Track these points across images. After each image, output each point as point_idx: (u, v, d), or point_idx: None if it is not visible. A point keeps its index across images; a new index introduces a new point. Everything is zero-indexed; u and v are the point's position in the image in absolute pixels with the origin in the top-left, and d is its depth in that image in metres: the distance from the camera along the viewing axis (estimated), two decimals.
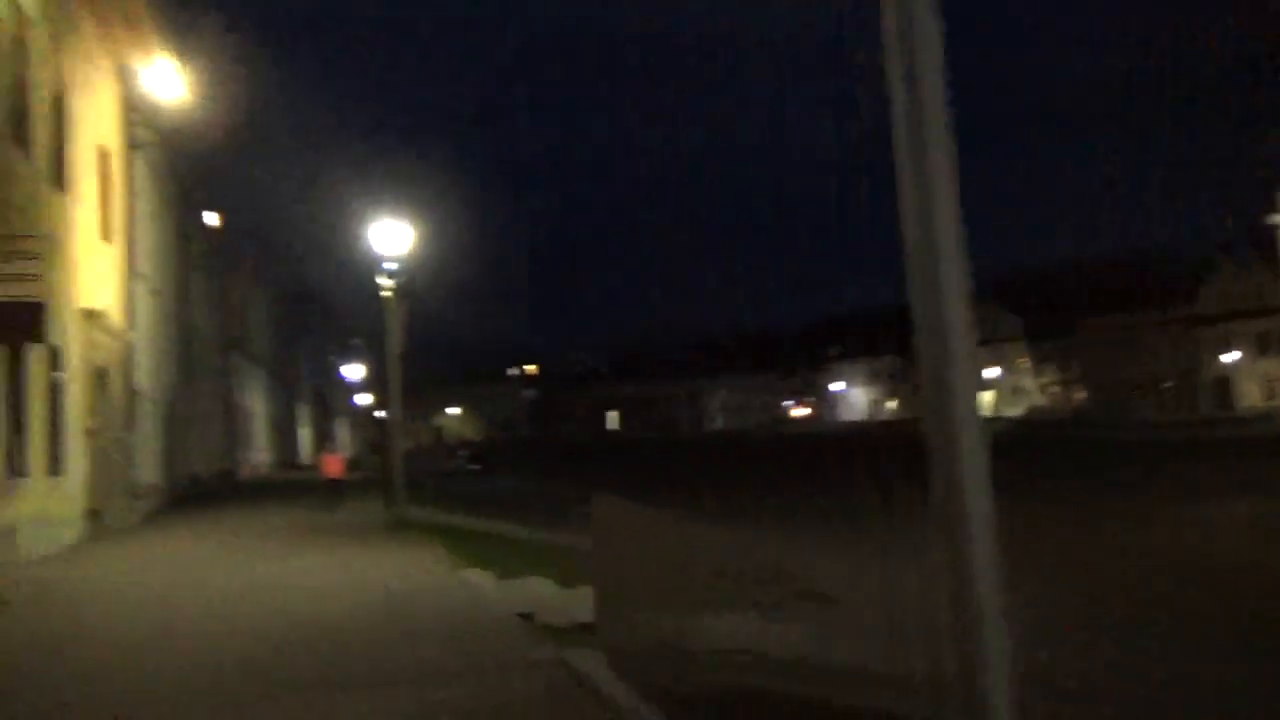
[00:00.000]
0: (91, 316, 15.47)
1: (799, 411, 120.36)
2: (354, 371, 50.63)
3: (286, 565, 11.72)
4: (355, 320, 60.10)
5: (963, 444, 1.95)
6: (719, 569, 5.82)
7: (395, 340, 15.65)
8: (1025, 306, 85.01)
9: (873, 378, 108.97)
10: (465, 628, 7.77)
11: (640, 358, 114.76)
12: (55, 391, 13.51)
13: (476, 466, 59.54)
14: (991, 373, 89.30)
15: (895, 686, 4.12)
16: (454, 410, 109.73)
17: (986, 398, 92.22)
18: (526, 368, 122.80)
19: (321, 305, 57.18)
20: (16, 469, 11.49)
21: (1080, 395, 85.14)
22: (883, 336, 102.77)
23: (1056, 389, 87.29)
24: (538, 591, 10.71)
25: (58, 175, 14.32)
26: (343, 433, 74.78)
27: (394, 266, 15.78)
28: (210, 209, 33.61)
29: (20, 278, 10.45)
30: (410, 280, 16.17)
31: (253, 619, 8.24)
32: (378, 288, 16.04)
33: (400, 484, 16.65)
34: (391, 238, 15.79)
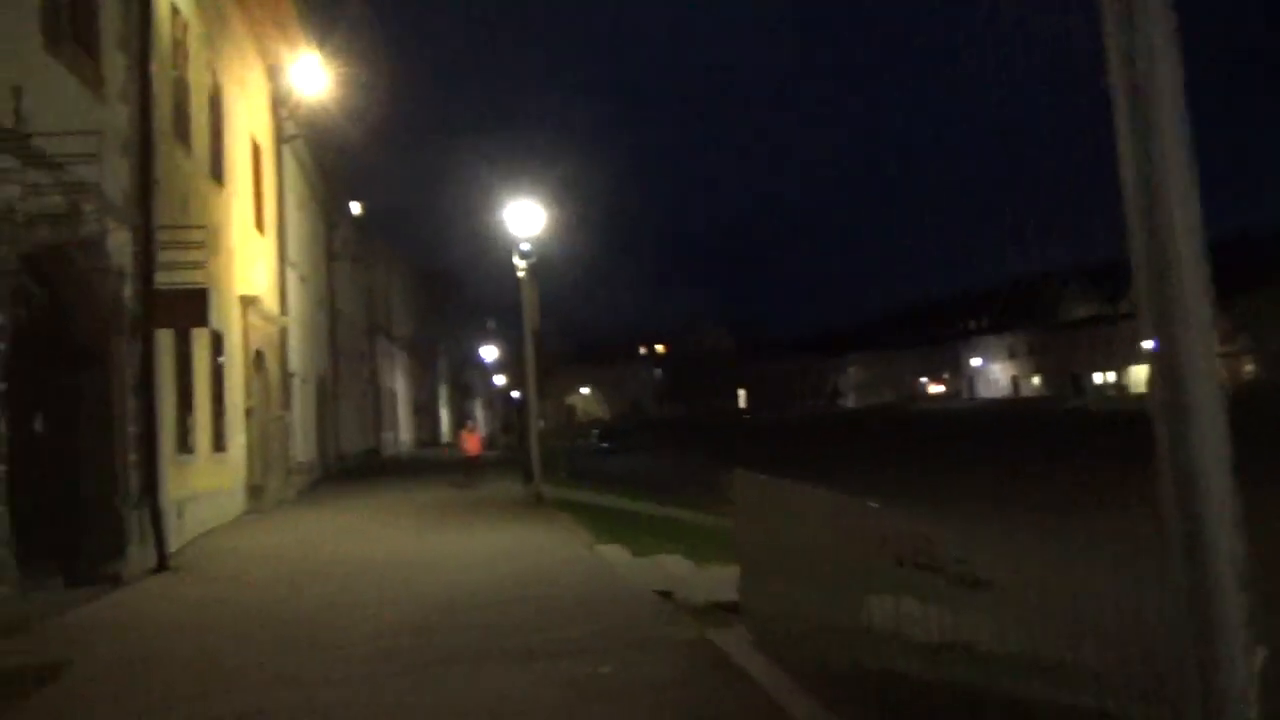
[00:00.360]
0: (249, 302, 16.33)
1: (935, 388, 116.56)
2: (489, 353, 51.96)
3: (434, 539, 12.09)
4: (490, 302, 61.83)
5: (1198, 422, 1.70)
6: (868, 547, 5.61)
7: (530, 319, 15.88)
8: None
9: (1012, 353, 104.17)
10: (607, 604, 7.78)
11: (770, 333, 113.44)
12: (218, 373, 14.34)
13: (607, 445, 60.43)
14: (1148, 344, 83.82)
15: (1070, 678, 3.84)
16: (585, 389, 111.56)
17: (1141, 374, 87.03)
18: (656, 347, 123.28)
19: (458, 289, 58.96)
20: (185, 446, 12.25)
21: (1248, 368, 78.97)
22: (1024, 309, 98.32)
23: (1220, 361, 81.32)
24: (672, 569, 10.68)
25: (216, 170, 15.12)
26: (479, 412, 77.10)
27: (528, 246, 15.98)
28: (353, 198, 35.11)
29: (186, 266, 11.08)
30: (543, 260, 16.35)
31: (410, 590, 8.52)
32: (513, 269, 16.31)
33: (537, 462, 16.93)
34: (526, 218, 16.00)
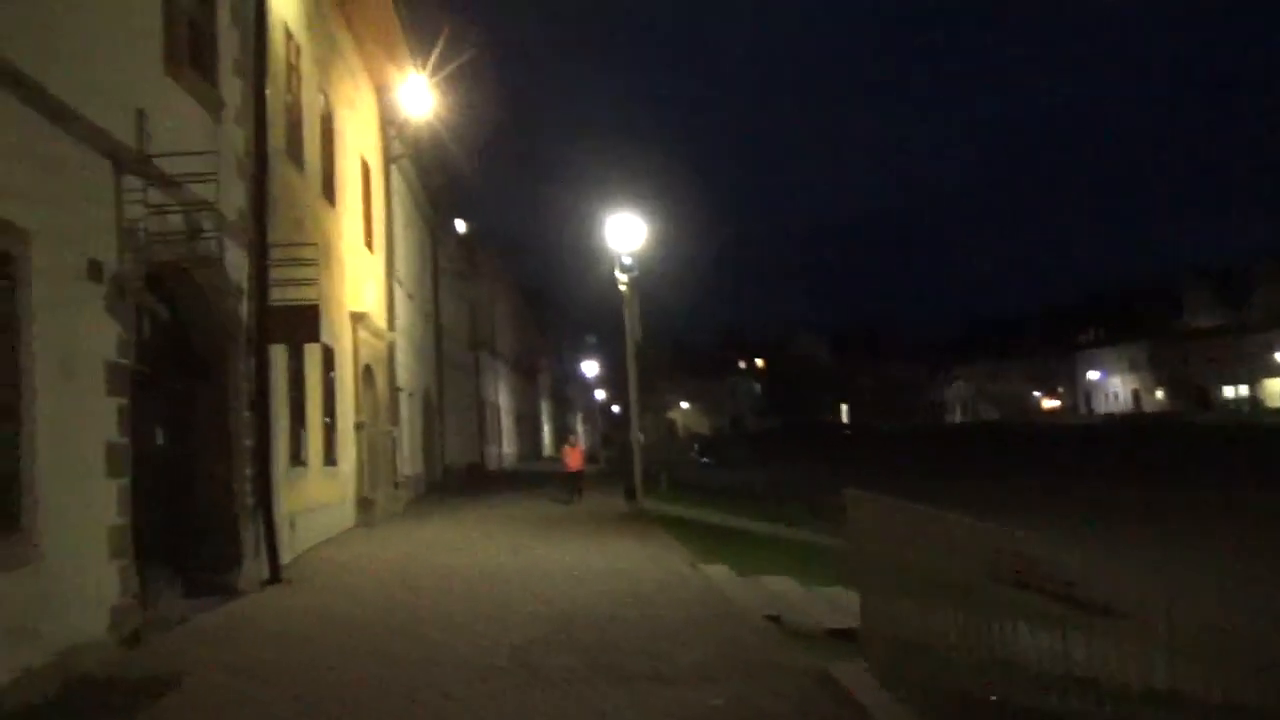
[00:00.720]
0: (358, 318, 16.69)
1: (1049, 403, 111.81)
2: (590, 368, 52.29)
3: (538, 554, 12.03)
4: (591, 319, 62.40)
5: None
6: (993, 573, 5.24)
7: (632, 332, 15.74)
8: None
9: (1133, 365, 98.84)
10: (715, 627, 7.51)
11: (874, 346, 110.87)
12: (329, 388, 14.65)
13: (706, 459, 60.02)
14: None
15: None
16: (684, 404, 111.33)
17: (1276, 388, 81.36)
18: (756, 360, 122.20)
19: (560, 305, 59.62)
20: (298, 460, 12.51)
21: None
22: (1141, 318, 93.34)
23: None
24: (778, 590, 10.32)
25: (328, 189, 15.52)
26: (579, 427, 77.70)
27: (629, 260, 15.89)
28: (458, 216, 35.85)
29: (299, 283, 11.33)
30: (643, 273, 16.23)
31: (517, 606, 8.44)
32: (615, 283, 16.22)
33: (639, 477, 16.75)
34: (627, 232, 15.91)
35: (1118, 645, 4.18)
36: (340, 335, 15.72)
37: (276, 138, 12.35)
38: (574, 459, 22.26)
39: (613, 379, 60.61)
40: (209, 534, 10.00)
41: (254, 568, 10.15)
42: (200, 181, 8.27)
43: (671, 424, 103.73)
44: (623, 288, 15.92)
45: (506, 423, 49.01)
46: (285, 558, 11.45)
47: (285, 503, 11.56)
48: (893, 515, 5.73)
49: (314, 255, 11.53)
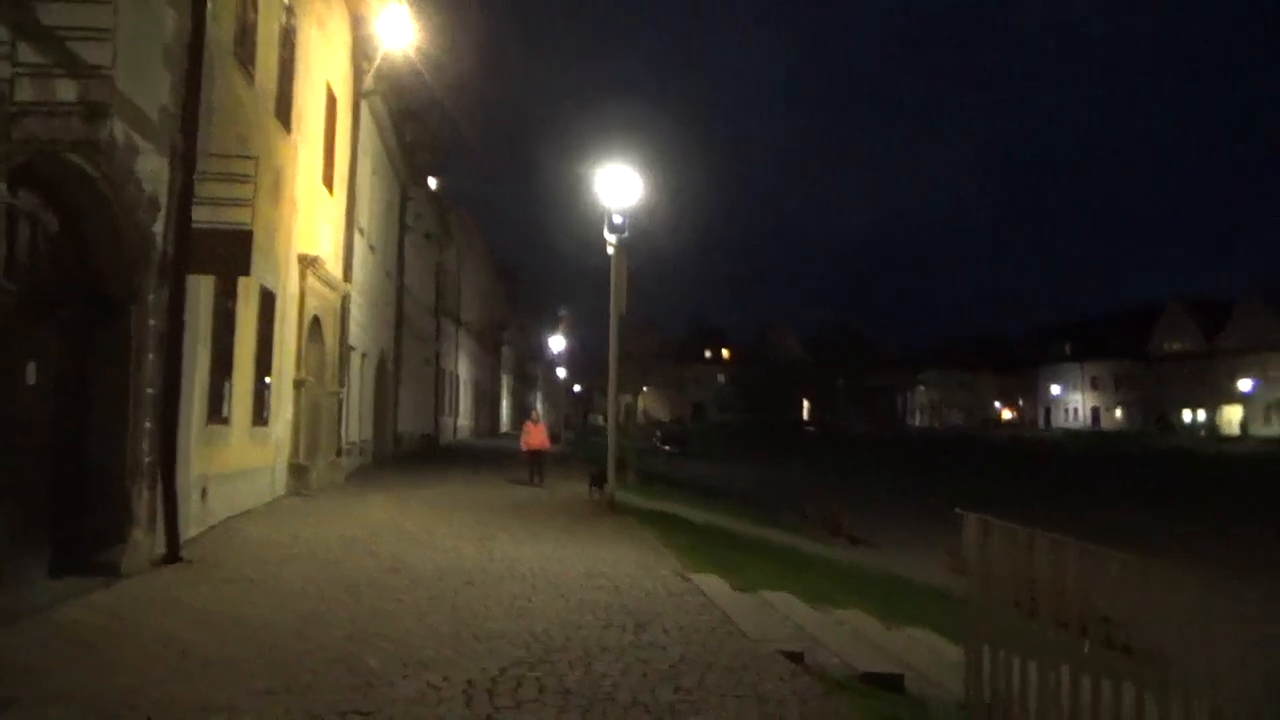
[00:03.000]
0: (309, 262, 14.71)
1: (1007, 414, 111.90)
2: (557, 343, 50.35)
3: (505, 549, 10.23)
4: (560, 298, 60.32)
5: None
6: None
7: (617, 301, 13.94)
8: None
9: (1095, 384, 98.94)
10: (726, 667, 5.79)
11: (850, 349, 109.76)
12: (265, 337, 12.70)
13: (669, 448, 58.53)
14: (1245, 384, 78.85)
15: None
16: (644, 388, 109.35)
17: (1234, 414, 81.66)
18: (723, 351, 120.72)
19: (530, 277, 57.51)
20: (218, 415, 10.58)
21: None
22: (1112, 339, 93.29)
23: None
24: (787, 611, 8.65)
25: (283, 111, 13.50)
26: (540, 405, 75.76)
27: (620, 219, 14.07)
28: (431, 172, 33.66)
29: (231, 204, 9.41)
30: (634, 241, 14.43)
31: (481, 622, 6.64)
32: (596, 255, 14.42)
33: (612, 463, 15.00)
34: (620, 187, 14.08)
35: None
36: (285, 278, 13.75)
37: (221, 34, 10.36)
38: (537, 437, 20.44)
39: (580, 359, 58.75)
40: (94, 500, 8.08)
41: (145, 543, 8.24)
42: (92, 38, 6.31)
43: (631, 409, 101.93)
44: (610, 250, 14.11)
45: (465, 395, 46.97)
46: (192, 530, 9.55)
47: (196, 465, 9.64)
48: (1053, 554, 4.05)
49: (250, 170, 9.55)
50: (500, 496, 16.59)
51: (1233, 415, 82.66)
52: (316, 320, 15.86)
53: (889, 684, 6.10)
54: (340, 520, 12.00)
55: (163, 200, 8.72)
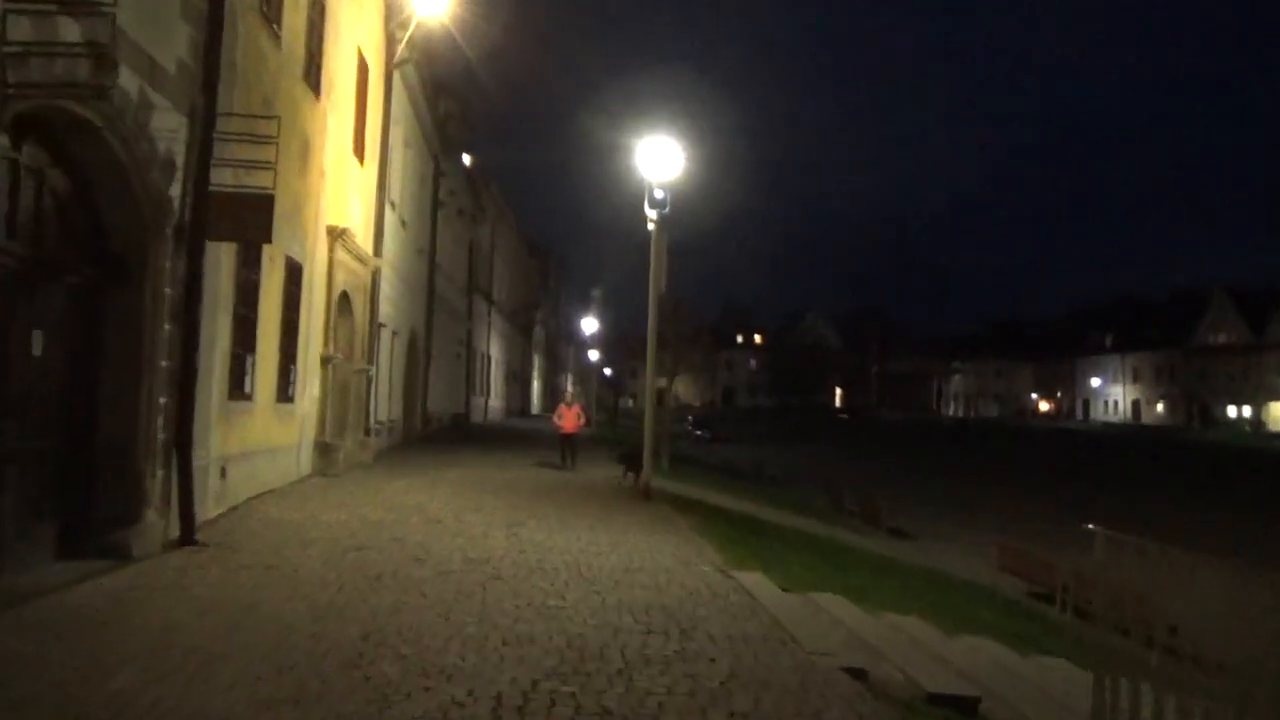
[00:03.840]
0: (338, 235, 14.22)
1: (1044, 406, 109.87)
2: (589, 325, 49.77)
3: (535, 538, 9.67)
4: (596, 274, 59.67)
5: None
6: None
7: (657, 278, 13.30)
8: None
9: (1136, 375, 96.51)
10: (776, 679, 5.20)
11: (884, 334, 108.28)
12: (291, 311, 12.22)
13: (701, 433, 57.89)
14: None
15: None
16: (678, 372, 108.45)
17: (1277, 410, 79.27)
18: (755, 336, 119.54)
19: (564, 257, 56.90)
20: (240, 391, 10.11)
21: None
22: (1157, 330, 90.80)
23: None
24: (839, 615, 8.01)
25: (312, 76, 12.98)
26: (570, 387, 75.39)
27: (662, 194, 13.40)
28: (465, 148, 33.10)
29: (253, 166, 8.89)
30: (676, 212, 13.76)
31: (509, 623, 6.08)
32: (637, 231, 13.77)
33: (649, 448, 14.40)
34: (661, 160, 13.41)
35: None
36: (313, 250, 13.26)
37: None
38: (569, 420, 19.89)
39: (611, 339, 58.18)
40: (104, 479, 7.63)
41: (158, 525, 7.78)
42: None
43: (662, 393, 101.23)
44: (651, 225, 13.45)
45: (496, 375, 46.60)
46: (211, 511, 9.10)
47: (217, 443, 9.18)
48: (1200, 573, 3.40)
49: (274, 131, 9.00)
50: (531, 480, 16.07)
51: (1278, 412, 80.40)
52: (345, 295, 15.39)
53: (963, 707, 5.47)
54: (366, 502, 11.52)
55: (180, 161, 8.22)
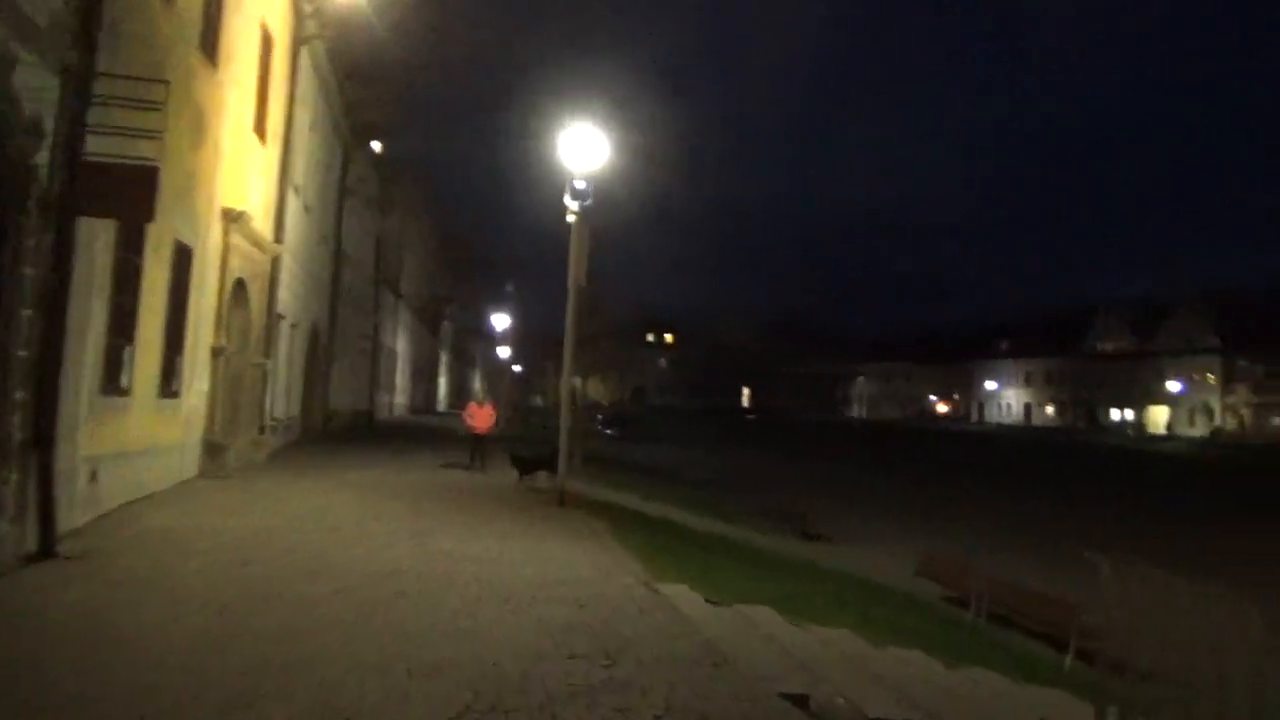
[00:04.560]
0: (234, 217, 13.22)
1: (942, 408, 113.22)
2: (501, 321, 48.78)
3: (445, 547, 9.00)
4: (512, 271, 58.52)
5: None
6: None
7: (576, 273, 12.73)
8: (1228, 323, 75.79)
9: (1029, 380, 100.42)
10: (715, 710, 4.72)
11: (798, 337, 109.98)
12: (179, 298, 11.23)
13: (612, 431, 57.43)
14: (1174, 386, 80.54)
15: None
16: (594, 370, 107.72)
17: (1160, 415, 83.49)
18: (666, 335, 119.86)
19: (480, 251, 55.61)
20: (115, 386, 9.15)
21: (1276, 420, 75.38)
22: (1049, 337, 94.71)
23: (1246, 411, 77.63)
24: (769, 628, 7.62)
25: (208, 43, 11.99)
26: (478, 384, 74.03)
27: (584, 184, 12.84)
28: (376, 136, 31.81)
29: (137, 134, 7.98)
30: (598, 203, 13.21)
31: (418, 651, 5.42)
32: (554, 222, 13.17)
33: (564, 449, 13.83)
34: (585, 149, 12.85)
35: None
36: (205, 233, 12.26)
37: None
38: (481, 420, 19.13)
39: (524, 338, 57.19)
40: None
41: (12, 536, 6.86)
42: None
43: (573, 390, 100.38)
44: (571, 217, 12.87)
45: (403, 371, 45.26)
46: (78, 519, 8.16)
47: (85, 443, 8.24)
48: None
49: (162, 97, 8.12)
50: (439, 482, 15.31)
51: (1159, 416, 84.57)
52: (241, 283, 14.36)
53: None
54: (258, 507, 10.64)
55: (49, 125, 7.29)
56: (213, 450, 12.71)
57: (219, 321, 13.06)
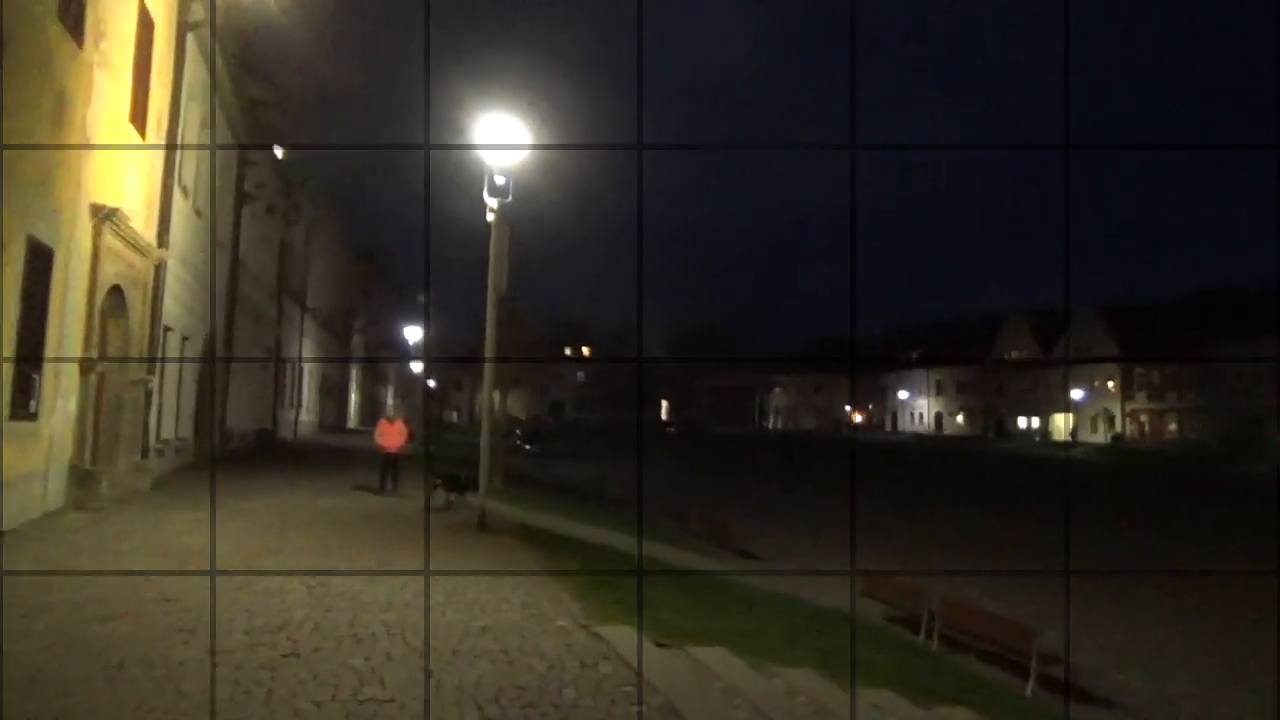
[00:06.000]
0: (105, 215, 11.73)
1: (856, 418, 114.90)
2: (414, 333, 47.04)
3: (338, 589, 7.78)
4: (419, 279, 56.66)
5: None
6: None
7: (496, 279, 11.64)
8: (1128, 331, 78.69)
9: (940, 389, 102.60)
10: None
11: (702, 347, 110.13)
12: (36, 303, 9.75)
13: (530, 447, 56.05)
14: (1076, 394, 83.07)
15: None
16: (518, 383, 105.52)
17: (1061, 421, 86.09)
18: (583, 349, 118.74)
19: (385, 259, 53.73)
20: None
21: (1171, 426, 78.54)
22: (960, 347, 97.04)
23: (1145, 417, 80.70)
24: (732, 679, 6.62)
25: (72, 17, 10.55)
26: (390, 399, 71.67)
27: (503, 180, 11.77)
28: (278, 138, 30.04)
29: None
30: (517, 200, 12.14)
31: None
32: (482, 209, 12.02)
33: (484, 466, 12.69)
34: (502, 141, 11.78)
35: None
36: (70, 231, 10.77)
37: None
38: (392, 437, 17.80)
39: (437, 350, 55.40)
40: None
41: None
42: None
43: (493, 406, 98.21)
44: (490, 215, 11.79)
45: (310, 387, 43.12)
46: None
47: None
48: None
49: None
50: (347, 508, 13.96)
51: (1062, 423, 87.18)
52: (118, 290, 12.84)
53: None
54: (131, 546, 9.23)
55: None
56: (83, 478, 11.17)
57: (89, 333, 11.53)
